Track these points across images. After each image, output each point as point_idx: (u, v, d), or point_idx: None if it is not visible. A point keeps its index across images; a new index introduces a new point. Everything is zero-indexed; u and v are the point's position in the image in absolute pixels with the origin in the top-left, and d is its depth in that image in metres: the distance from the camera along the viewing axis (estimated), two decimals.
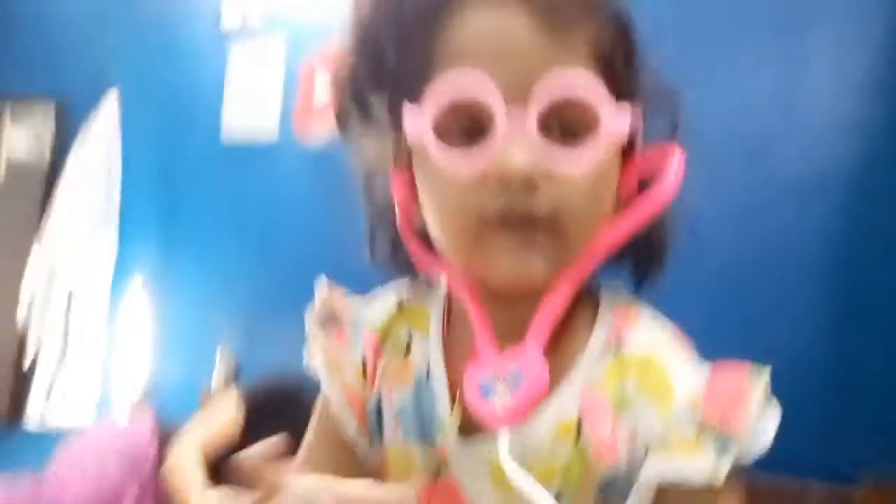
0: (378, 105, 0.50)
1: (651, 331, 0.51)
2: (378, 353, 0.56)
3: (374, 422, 0.55)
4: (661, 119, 0.50)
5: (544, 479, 0.46)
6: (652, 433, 0.46)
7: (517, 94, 0.45)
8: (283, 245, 2.04)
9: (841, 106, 1.48)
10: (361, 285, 0.58)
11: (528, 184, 0.44)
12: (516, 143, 0.44)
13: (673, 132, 0.51)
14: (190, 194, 2.24)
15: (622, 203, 0.50)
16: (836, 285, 1.43)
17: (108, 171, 2.32)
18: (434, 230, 0.50)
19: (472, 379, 0.47)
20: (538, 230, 0.45)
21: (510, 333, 0.47)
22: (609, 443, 0.47)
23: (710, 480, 0.44)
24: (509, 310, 0.48)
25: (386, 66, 0.50)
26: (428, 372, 0.53)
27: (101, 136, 2.32)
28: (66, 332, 2.23)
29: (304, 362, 0.59)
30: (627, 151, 0.50)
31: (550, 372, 0.46)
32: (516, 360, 0.46)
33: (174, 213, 2.25)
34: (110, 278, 2.27)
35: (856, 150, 1.44)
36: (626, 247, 0.50)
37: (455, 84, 0.46)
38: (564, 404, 0.49)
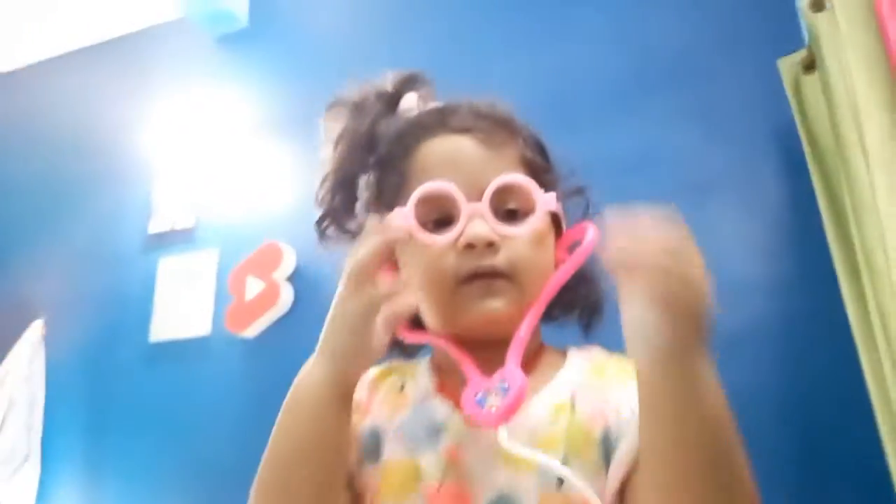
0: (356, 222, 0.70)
1: (609, 353, 0.69)
2: (373, 391, 0.68)
3: (368, 442, 0.65)
4: (578, 206, 0.72)
5: (550, 445, 0.59)
6: (634, 405, 0.58)
7: (472, 192, 0.64)
8: (217, 460, 1.92)
9: (752, 265, 1.56)
10: None
11: (491, 246, 0.62)
12: (477, 220, 0.62)
13: (585, 213, 0.73)
14: (116, 415, 2.13)
15: (559, 262, 0.68)
16: (785, 433, 1.42)
17: (29, 406, 2.19)
18: (420, 297, 0.65)
19: (468, 397, 0.60)
20: (498, 280, 0.62)
21: (487, 370, 0.61)
22: (599, 413, 0.61)
23: None
24: (483, 353, 0.62)
25: (361, 195, 0.72)
26: (422, 399, 0.66)
27: (25, 367, 2.23)
28: None
29: None
30: (558, 229, 0.70)
31: (539, 379, 0.63)
32: (500, 376, 0.59)
33: (99, 446, 2.12)
34: None
35: (775, 301, 1.51)
36: (576, 306, 0.72)
37: (429, 188, 0.64)
38: (557, 391, 0.64)
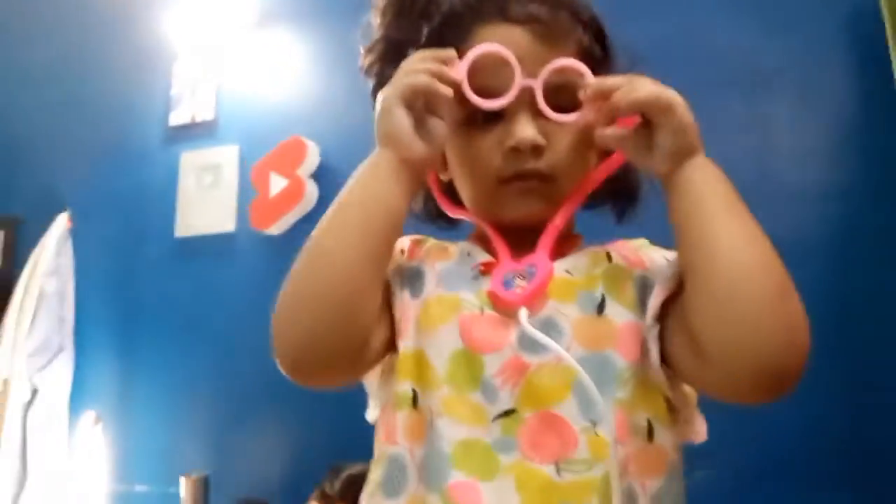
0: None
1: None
2: (417, 245, 0.69)
3: (412, 275, 0.65)
4: None
5: (590, 284, 0.62)
6: (661, 264, 0.64)
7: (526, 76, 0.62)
8: (244, 355, 1.93)
9: (810, 167, 1.44)
10: None
11: (536, 150, 0.62)
12: (525, 123, 0.62)
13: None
14: (146, 310, 2.14)
15: (602, 159, 0.68)
16: (835, 346, 1.35)
17: (60, 298, 2.21)
18: (462, 185, 0.68)
19: (497, 276, 0.61)
20: (538, 181, 0.63)
21: (521, 255, 0.63)
22: (636, 262, 0.64)
23: None
24: (519, 239, 0.64)
25: None
26: (468, 254, 0.67)
27: (52, 260, 2.23)
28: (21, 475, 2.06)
29: None
30: None
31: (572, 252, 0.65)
32: (530, 261, 0.62)
33: (130, 339, 2.14)
34: (67, 410, 2.13)
35: (829, 209, 1.40)
36: (612, 195, 0.72)
37: (487, 49, 0.62)
38: (594, 249, 0.66)
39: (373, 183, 0.62)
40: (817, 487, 1.33)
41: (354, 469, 1.43)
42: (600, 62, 0.68)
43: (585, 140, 0.65)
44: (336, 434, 1.69)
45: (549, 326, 0.59)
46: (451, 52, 0.62)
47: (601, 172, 0.67)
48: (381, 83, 0.70)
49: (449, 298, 0.63)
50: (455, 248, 0.69)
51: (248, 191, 2.05)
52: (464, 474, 0.56)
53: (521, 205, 0.64)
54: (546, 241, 0.63)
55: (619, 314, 0.60)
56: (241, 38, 2.20)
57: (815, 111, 1.45)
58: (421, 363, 0.61)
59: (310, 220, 1.94)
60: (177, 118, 2.22)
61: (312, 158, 1.97)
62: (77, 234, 2.27)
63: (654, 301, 0.59)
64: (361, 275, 0.59)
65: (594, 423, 0.56)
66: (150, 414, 2.04)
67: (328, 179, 1.95)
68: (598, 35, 0.70)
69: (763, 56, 1.49)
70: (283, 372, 0.59)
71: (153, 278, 2.15)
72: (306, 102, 2.07)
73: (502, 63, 0.62)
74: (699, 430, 0.64)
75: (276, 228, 1.96)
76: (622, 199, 0.73)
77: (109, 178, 2.29)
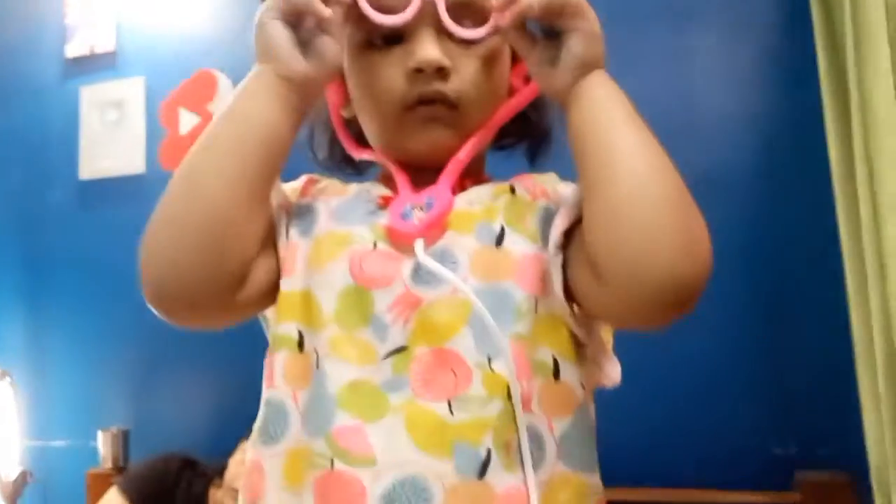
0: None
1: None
2: (312, 183, 0.66)
3: (303, 213, 0.62)
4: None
5: (490, 216, 0.59)
6: (566, 194, 0.61)
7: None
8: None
9: (733, 98, 1.43)
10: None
11: (441, 72, 0.59)
12: (428, 42, 0.58)
13: None
14: (53, 258, 2.02)
15: (513, 91, 0.65)
16: (747, 275, 1.37)
17: None
18: (365, 118, 0.64)
19: (395, 209, 0.59)
20: (443, 107, 0.59)
21: (421, 191, 0.60)
22: (540, 192, 0.62)
23: None
24: (424, 177, 0.61)
25: None
26: (366, 189, 0.64)
27: None
28: None
29: None
30: (516, 55, 0.64)
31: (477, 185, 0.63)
32: (429, 193, 0.59)
33: (37, 289, 2.02)
34: None
35: (752, 140, 1.40)
36: (523, 135, 0.69)
37: None
38: (499, 184, 0.63)
39: (245, 100, 0.57)
40: (733, 417, 1.37)
41: None
42: None
43: (495, 68, 0.62)
44: (259, 384, 1.66)
45: (444, 257, 0.57)
46: None
47: (511, 107, 0.64)
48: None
49: (340, 234, 0.59)
50: (355, 186, 0.65)
51: (157, 128, 1.92)
52: (350, 416, 0.53)
53: (426, 133, 0.60)
54: (449, 174, 0.60)
55: (519, 245, 0.58)
56: None
57: (739, 42, 1.44)
58: (309, 303, 0.57)
59: None
60: (73, 50, 2.05)
61: (224, 93, 1.85)
62: None
63: (556, 229, 0.57)
64: (232, 201, 0.54)
65: (490, 359, 0.54)
66: (64, 367, 1.96)
67: None
68: None
69: None
70: (150, 306, 0.54)
71: (58, 224, 2.03)
72: (216, 30, 1.93)
73: None
74: (611, 374, 0.61)
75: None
76: (534, 139, 0.70)
77: (4, 118, 2.12)
